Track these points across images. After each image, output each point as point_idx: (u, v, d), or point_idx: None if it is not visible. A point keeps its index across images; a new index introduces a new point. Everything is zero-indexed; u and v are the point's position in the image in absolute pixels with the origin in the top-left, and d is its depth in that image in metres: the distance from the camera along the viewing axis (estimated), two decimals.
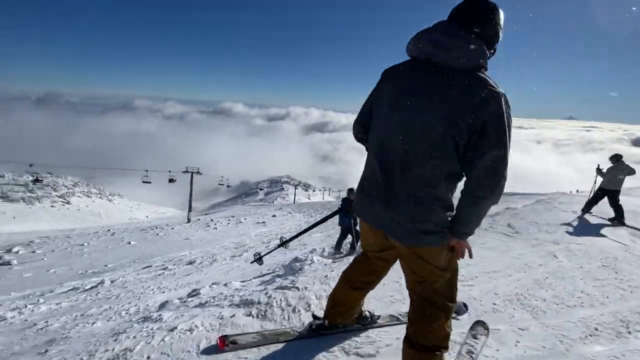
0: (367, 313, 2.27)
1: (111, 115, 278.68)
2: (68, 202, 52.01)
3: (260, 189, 74.19)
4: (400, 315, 2.43)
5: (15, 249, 13.36)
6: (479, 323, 2.34)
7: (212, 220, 21.71)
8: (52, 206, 48.90)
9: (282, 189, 71.20)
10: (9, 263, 11.36)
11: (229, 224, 19.03)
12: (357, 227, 7.84)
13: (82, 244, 14.66)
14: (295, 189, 53.65)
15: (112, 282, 7.46)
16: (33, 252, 13.22)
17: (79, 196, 55.38)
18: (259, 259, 5.18)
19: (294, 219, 19.49)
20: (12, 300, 6.76)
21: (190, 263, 8.68)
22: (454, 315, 2.46)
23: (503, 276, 3.44)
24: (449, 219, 1.48)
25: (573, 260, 4.09)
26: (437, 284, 1.59)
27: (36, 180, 30.11)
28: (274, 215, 21.84)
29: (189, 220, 23.38)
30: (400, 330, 2.06)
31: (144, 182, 27.09)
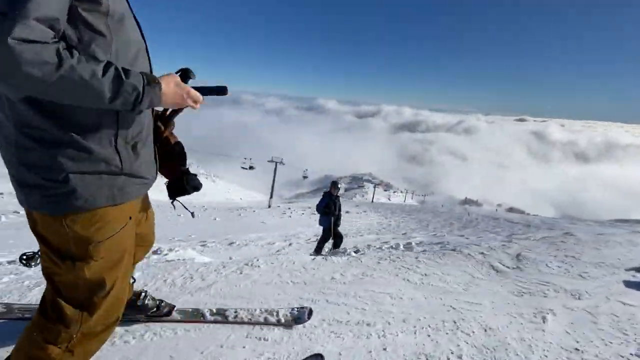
0: (149, 301, 1.77)
1: (223, 107, 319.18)
2: None
3: (340, 184, 75.25)
4: (212, 311, 1.90)
5: None
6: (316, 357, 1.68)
7: (289, 208, 22.90)
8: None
9: (363, 186, 70.90)
10: None
11: (303, 214, 19.77)
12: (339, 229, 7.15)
13: (180, 215, 17.14)
14: (375, 188, 52.69)
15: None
16: None
17: None
18: None
19: (367, 217, 19.09)
20: None
21: (230, 244, 9.20)
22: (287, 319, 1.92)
23: (397, 324, 2.14)
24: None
25: (576, 334, 2.19)
26: (58, 277, 1.05)
27: None
28: (347, 212, 21.81)
29: (269, 206, 25.17)
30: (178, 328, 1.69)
31: (242, 167, 29.90)
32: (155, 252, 4.85)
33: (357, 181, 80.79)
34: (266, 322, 1.87)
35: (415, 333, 2.03)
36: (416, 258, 3.68)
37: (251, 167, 30.79)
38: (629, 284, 3.19)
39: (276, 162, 28.32)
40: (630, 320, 2.40)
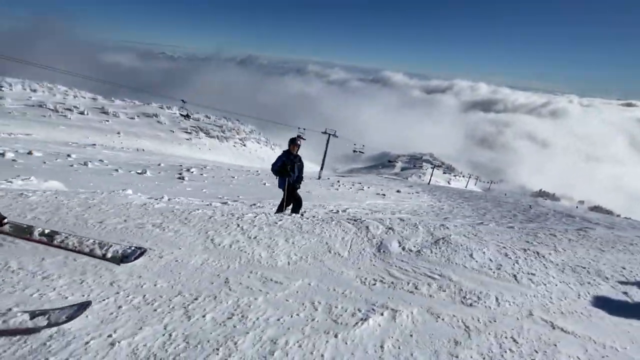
0: None
1: (287, 77, 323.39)
2: (244, 145, 65.08)
3: (397, 163, 72.38)
4: (42, 231, 2.00)
5: (192, 170, 17.60)
6: None
7: (338, 181, 22.59)
8: (233, 145, 62.33)
9: (421, 166, 67.22)
10: (183, 178, 15.06)
11: (350, 188, 19.33)
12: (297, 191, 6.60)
13: (233, 177, 17.92)
14: (434, 169, 49.49)
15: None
16: (201, 174, 17.10)
17: (252, 141, 68.39)
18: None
19: (418, 199, 17.94)
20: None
21: (253, 204, 9.15)
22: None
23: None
24: None
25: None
26: None
27: (186, 116, 38.46)
28: (398, 191, 20.80)
29: (319, 177, 25.15)
30: None
31: (301, 138, 29.81)
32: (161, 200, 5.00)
33: (415, 161, 76.88)
34: (91, 254, 1.97)
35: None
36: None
37: (302, 137, 30.69)
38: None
39: (329, 134, 27.86)
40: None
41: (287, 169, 6.05)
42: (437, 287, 2.47)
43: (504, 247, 3.89)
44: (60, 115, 51.57)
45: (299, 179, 6.45)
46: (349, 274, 2.68)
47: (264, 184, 17.06)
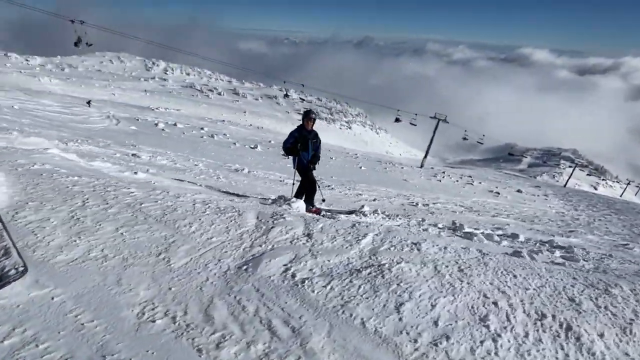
0: None
1: (402, 58, 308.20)
2: (349, 127, 65.91)
3: (525, 157, 61.33)
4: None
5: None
6: None
7: (443, 172, 20.55)
8: (339, 128, 63.81)
9: (558, 165, 55.17)
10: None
11: (457, 181, 17.32)
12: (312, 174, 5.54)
13: (332, 158, 18.27)
14: (574, 169, 39.85)
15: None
16: None
17: (357, 124, 68.69)
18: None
19: (545, 203, 14.79)
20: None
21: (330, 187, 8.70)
22: None
23: None
24: None
25: None
26: None
27: (285, 95, 39.65)
28: (519, 191, 17.62)
29: (421, 166, 23.40)
30: None
31: (411, 124, 27.30)
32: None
33: (550, 157, 63.51)
34: None
35: None
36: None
37: (412, 124, 28.06)
38: None
39: (438, 120, 25.30)
40: None
41: (297, 147, 5.25)
42: None
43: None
44: (204, 95, 61.93)
45: (315, 158, 5.50)
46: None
47: (360, 167, 16.83)
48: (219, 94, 64.65)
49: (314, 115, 5.40)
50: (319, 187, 5.69)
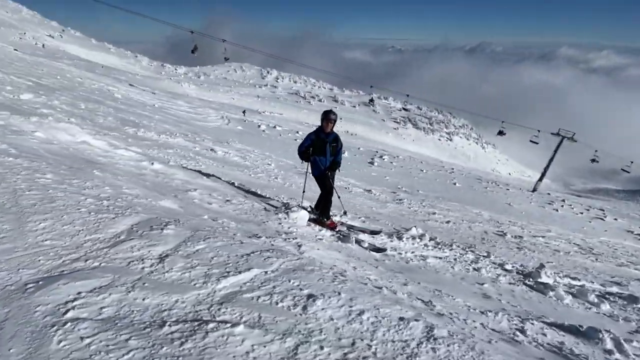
0: None
1: (524, 65, 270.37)
2: (450, 139, 61.05)
3: None
4: None
5: (384, 157, 18.15)
6: None
7: (563, 200, 17.03)
8: (438, 139, 59.74)
9: None
10: (373, 163, 15.79)
11: (580, 214, 14.11)
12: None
13: (422, 170, 17.11)
14: None
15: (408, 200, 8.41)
16: (391, 162, 17.35)
17: (460, 136, 63.07)
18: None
19: None
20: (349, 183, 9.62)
21: (447, 222, 7.69)
22: None
23: None
24: None
25: None
26: None
27: (370, 101, 38.17)
28: None
29: (534, 190, 19.86)
30: None
31: (531, 141, 23.43)
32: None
33: None
34: None
35: None
36: None
37: (534, 142, 23.39)
38: None
39: (563, 137, 21.02)
40: None
41: (309, 151, 4.68)
42: None
43: None
44: (306, 101, 66.09)
45: (335, 164, 4.85)
46: None
47: (454, 183, 15.25)
48: (320, 100, 68.07)
49: (333, 117, 4.67)
50: (339, 197, 5.09)
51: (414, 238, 4.87)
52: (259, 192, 5.93)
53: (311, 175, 4.86)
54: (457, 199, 11.51)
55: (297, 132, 21.15)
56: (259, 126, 19.46)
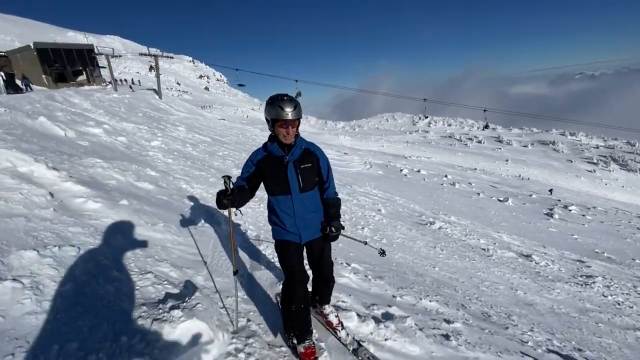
0: None
1: None
2: None
3: None
4: None
5: (571, 207, 13.40)
6: None
7: None
8: None
9: None
10: (552, 215, 11.76)
11: None
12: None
13: (545, 214, 11.55)
14: None
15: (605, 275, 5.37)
16: (582, 215, 12.52)
17: None
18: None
19: None
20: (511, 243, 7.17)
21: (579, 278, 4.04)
22: None
23: None
24: None
25: None
26: None
27: (485, 127, 28.83)
28: None
29: None
30: None
31: None
32: None
33: None
34: None
35: None
36: None
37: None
38: None
39: None
40: None
41: (244, 189, 2.19)
42: None
43: None
44: (462, 143, 60.57)
45: (334, 213, 2.32)
46: None
47: (583, 224, 9.30)
48: (479, 142, 61.04)
49: (291, 109, 2.06)
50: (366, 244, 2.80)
51: None
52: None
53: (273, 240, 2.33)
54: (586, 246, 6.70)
55: (445, 176, 18.84)
56: (401, 170, 18.45)
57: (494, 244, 6.83)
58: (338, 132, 66.75)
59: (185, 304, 2.07)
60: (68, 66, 27.39)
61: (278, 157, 2.17)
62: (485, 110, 17.89)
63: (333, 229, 2.24)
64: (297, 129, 2.19)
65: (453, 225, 7.60)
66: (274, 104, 2.07)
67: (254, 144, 18.10)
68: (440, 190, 14.42)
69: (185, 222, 3.62)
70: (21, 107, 8.12)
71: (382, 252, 2.54)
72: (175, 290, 2.32)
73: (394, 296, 3.16)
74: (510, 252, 6.40)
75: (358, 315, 2.52)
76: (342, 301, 2.78)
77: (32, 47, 25.30)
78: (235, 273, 2.33)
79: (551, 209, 12.92)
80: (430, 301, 3.23)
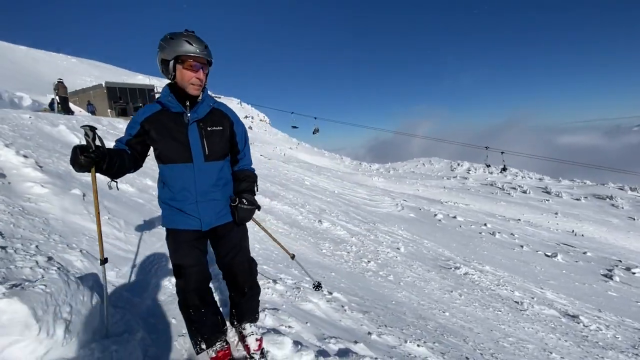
0: None
1: None
2: None
3: None
4: None
5: (635, 270, 11.61)
6: None
7: None
8: None
9: None
10: (610, 277, 10.21)
11: None
12: None
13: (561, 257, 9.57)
14: None
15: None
16: None
17: None
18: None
19: None
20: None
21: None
22: None
23: None
24: None
25: None
26: None
27: (503, 169, 26.94)
28: None
29: None
30: None
31: None
32: None
33: None
34: None
35: None
36: None
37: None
38: None
39: None
40: None
41: (122, 151, 1.63)
42: None
43: None
44: (505, 192, 57.13)
45: (247, 187, 1.80)
46: None
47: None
48: (524, 192, 57.22)
49: (201, 45, 1.61)
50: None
51: None
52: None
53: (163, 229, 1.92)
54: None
55: (485, 225, 17.53)
56: (435, 215, 17.50)
57: (532, 298, 5.92)
58: (372, 173, 66.52)
59: (26, 284, 1.51)
60: (130, 102, 30.77)
61: (176, 113, 1.67)
62: (502, 153, 16.70)
63: (244, 200, 1.76)
64: (206, 80, 1.69)
65: (484, 274, 6.80)
66: (177, 38, 1.58)
67: (285, 178, 18.41)
68: (478, 239, 13.32)
69: (145, 223, 3.64)
70: (54, 119, 8.35)
71: (318, 285, 2.81)
72: (41, 273, 1.74)
73: (369, 333, 2.66)
74: (552, 310, 5.46)
75: (295, 343, 1.93)
76: (288, 326, 2.24)
77: (103, 85, 28.98)
78: (103, 262, 1.78)
79: (610, 270, 11.26)
80: (418, 346, 2.67)
